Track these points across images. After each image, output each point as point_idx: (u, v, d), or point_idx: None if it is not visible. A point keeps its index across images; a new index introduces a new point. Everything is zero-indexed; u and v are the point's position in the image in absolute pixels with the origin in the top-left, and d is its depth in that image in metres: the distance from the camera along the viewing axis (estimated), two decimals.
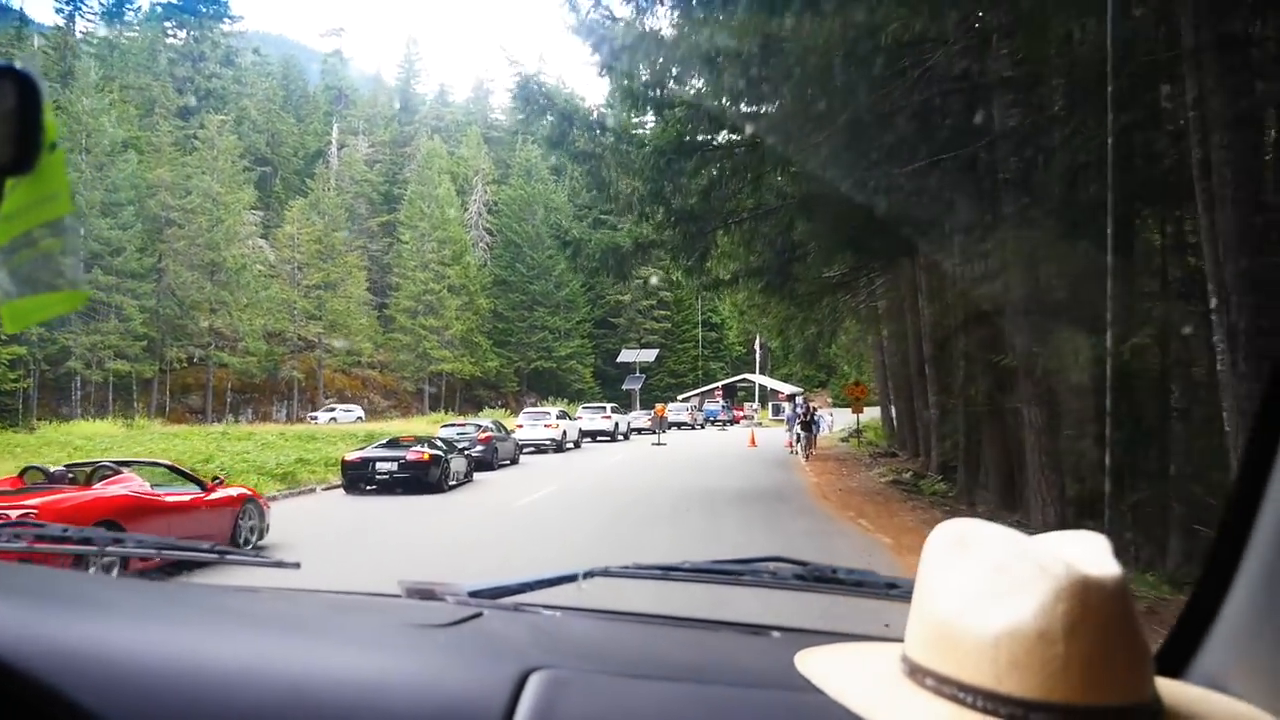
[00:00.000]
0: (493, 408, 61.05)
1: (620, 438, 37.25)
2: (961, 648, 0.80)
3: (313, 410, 52.22)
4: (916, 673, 0.84)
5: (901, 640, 0.90)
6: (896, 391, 28.61)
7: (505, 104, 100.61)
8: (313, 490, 16.67)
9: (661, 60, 11.72)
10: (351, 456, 16.18)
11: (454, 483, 16.92)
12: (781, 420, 61.73)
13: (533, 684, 0.90)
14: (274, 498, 15.13)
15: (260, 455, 17.46)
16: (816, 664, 0.97)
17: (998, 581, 0.81)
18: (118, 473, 8.97)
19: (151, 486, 9.16)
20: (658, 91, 12.00)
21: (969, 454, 15.22)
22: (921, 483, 17.18)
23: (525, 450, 28.86)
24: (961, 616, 0.81)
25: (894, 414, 33.57)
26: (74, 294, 0.93)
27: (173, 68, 63.79)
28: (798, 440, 23.71)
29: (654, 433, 35.97)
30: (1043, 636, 0.76)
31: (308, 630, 1.24)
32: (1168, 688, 0.85)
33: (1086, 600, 0.76)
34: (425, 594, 1.49)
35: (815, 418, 23.21)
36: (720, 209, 13.90)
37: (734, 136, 12.98)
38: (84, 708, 0.84)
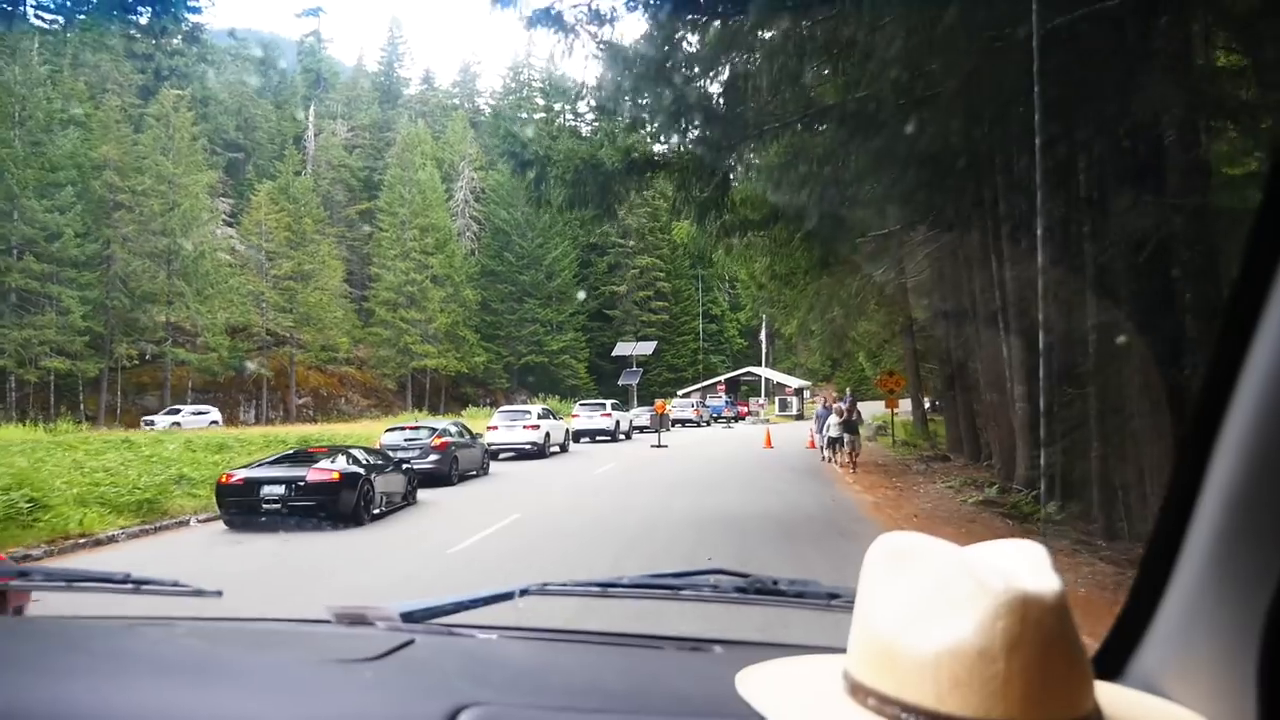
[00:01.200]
0: (480, 406, 56.79)
1: (622, 437, 33.14)
2: (903, 666, 0.79)
3: (149, 415, 43.04)
4: (858, 691, 0.83)
5: (844, 650, 0.88)
6: (945, 383, 24.11)
7: (494, 88, 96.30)
8: (186, 522, 12.13)
9: None
10: (234, 476, 11.58)
11: (381, 510, 12.35)
12: (789, 416, 57.55)
13: None
14: (111, 539, 10.60)
15: (126, 472, 12.87)
16: (758, 684, 0.93)
17: (938, 597, 0.80)
18: None
19: None
20: None
21: (1106, 468, 10.69)
22: (1018, 503, 12.68)
23: (503, 456, 24.47)
24: (902, 634, 0.80)
25: (937, 409, 29.17)
26: None
27: (131, 44, 58.93)
28: (831, 445, 18.91)
29: (654, 432, 31.41)
30: (983, 654, 0.75)
31: (226, 670, 1.17)
32: (1105, 692, 0.85)
33: (1026, 616, 0.76)
34: (355, 619, 1.44)
35: (857, 416, 18.42)
36: (754, 115, 9.34)
37: None
38: None
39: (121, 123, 48.36)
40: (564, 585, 1.59)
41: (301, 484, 11.17)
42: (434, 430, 17.46)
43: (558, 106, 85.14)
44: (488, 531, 10.84)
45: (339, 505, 11.17)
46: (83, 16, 64.53)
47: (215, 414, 44.19)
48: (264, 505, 11.06)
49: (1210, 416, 0.90)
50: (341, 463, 11.84)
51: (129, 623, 1.62)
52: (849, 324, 26.62)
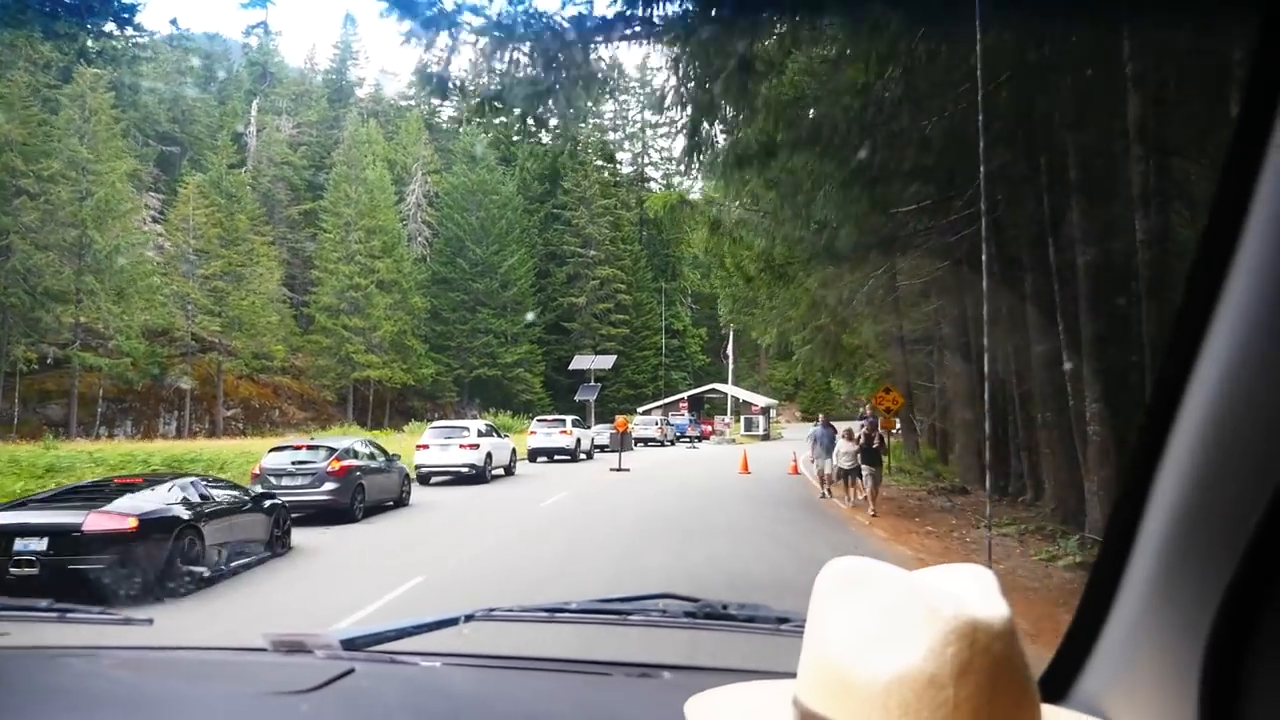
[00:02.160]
0: (426, 420, 52.69)
1: (583, 456, 29.99)
2: (853, 692, 0.78)
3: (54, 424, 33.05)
4: (808, 718, 0.82)
5: (794, 675, 0.87)
6: (956, 399, 20.72)
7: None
8: None
9: None
10: None
11: (220, 569, 8.44)
12: (755, 436, 54.08)
13: None
14: None
15: None
16: (707, 711, 0.92)
17: (889, 623, 0.80)
18: None
19: None
20: None
21: None
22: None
23: (437, 480, 20.64)
24: (853, 660, 0.80)
25: (948, 429, 25.83)
26: None
27: (52, 22, 54.11)
28: (843, 478, 15.01)
29: (614, 452, 27.65)
30: (933, 681, 0.75)
31: (157, 704, 1.10)
32: (1049, 715, 0.85)
33: (975, 641, 0.76)
34: (293, 646, 1.40)
35: (880, 443, 14.45)
36: None
37: None
38: None
39: (31, 102, 43.67)
40: (510, 610, 1.58)
41: (76, 535, 7.26)
42: (332, 451, 13.50)
43: (517, 111, 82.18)
44: (360, 615, 6.99)
45: (133, 569, 7.26)
46: None
47: None
48: (10, 569, 7.11)
49: (1153, 440, 0.90)
50: (151, 501, 7.93)
51: (52, 654, 1.58)
52: (842, 330, 23.23)
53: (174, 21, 77.90)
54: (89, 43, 57.84)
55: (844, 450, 14.70)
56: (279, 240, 61.33)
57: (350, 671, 1.24)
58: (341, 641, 1.39)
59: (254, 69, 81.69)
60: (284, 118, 73.88)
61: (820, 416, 18.81)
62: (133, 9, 61.48)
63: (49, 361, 43.08)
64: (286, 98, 77.47)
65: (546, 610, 1.56)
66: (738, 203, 15.19)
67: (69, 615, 1.66)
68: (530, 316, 63.62)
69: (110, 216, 44.21)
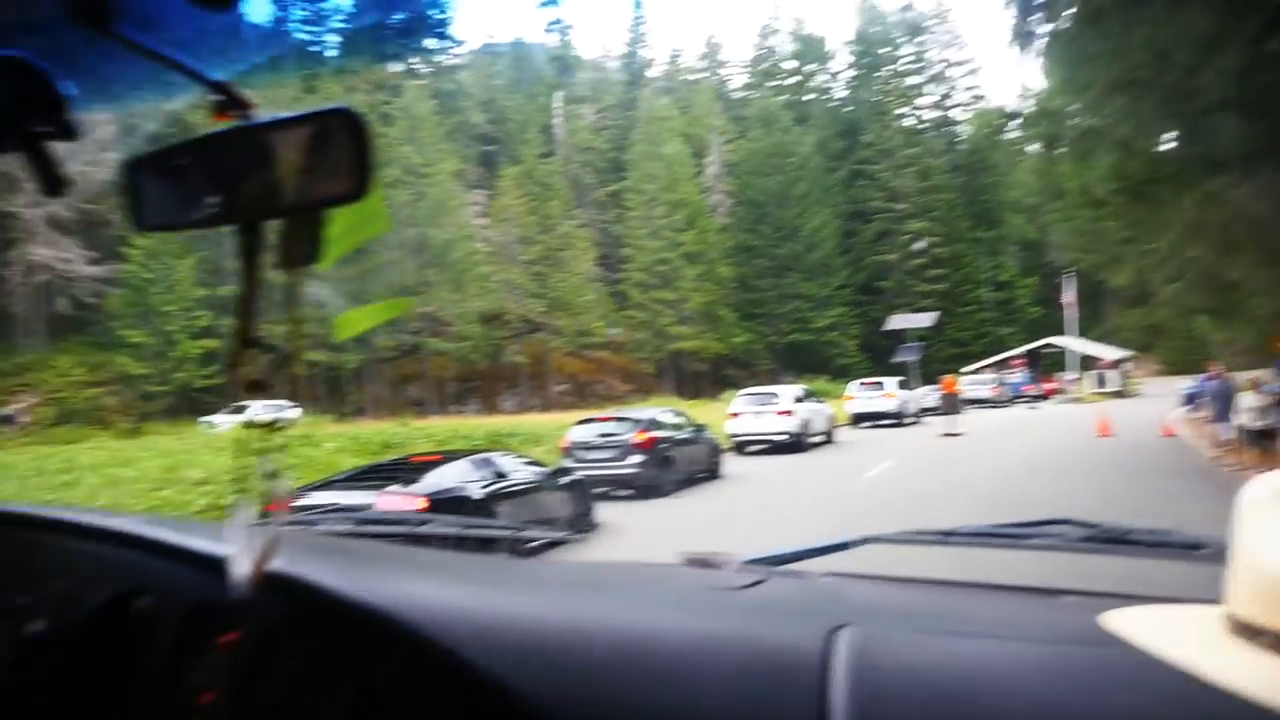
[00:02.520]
0: (738, 389, 52.45)
1: (909, 420, 28.25)
2: None
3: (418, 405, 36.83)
4: (1245, 630, 0.75)
5: (1215, 603, 0.80)
6: None
7: (739, 58, 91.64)
8: None
9: None
10: (282, 505, 7.50)
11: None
12: (1106, 393, 47.77)
13: (844, 638, 0.90)
14: None
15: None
16: (1125, 623, 0.86)
17: None
18: None
19: None
20: None
21: None
22: None
23: (749, 449, 19.66)
24: None
25: None
26: (397, 301, 0.94)
27: (382, 46, 60.19)
28: (1249, 441, 11.64)
29: (943, 415, 25.02)
30: None
31: (633, 594, 1.29)
32: None
33: None
34: (703, 563, 1.53)
35: None
36: None
37: None
38: (498, 676, 0.89)
39: (371, 119, 48.69)
40: (900, 534, 1.67)
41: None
42: (637, 423, 12.78)
43: (809, 67, 79.57)
44: None
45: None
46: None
47: (290, 409, 35.38)
48: None
49: None
50: (445, 479, 7.41)
51: (543, 563, 1.89)
52: (1223, 260, 18.98)
53: (485, 33, 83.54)
54: (412, 60, 63.68)
55: (1251, 405, 11.43)
56: (590, 222, 64.04)
57: (761, 581, 1.28)
58: (745, 561, 1.48)
59: (555, 63, 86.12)
60: (585, 105, 77.04)
61: (1212, 366, 15.26)
62: (444, 22, 65.52)
63: (403, 349, 48.16)
64: (586, 86, 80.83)
65: (938, 534, 1.60)
66: (1078, 106, 12.36)
67: (521, 533, 2.22)
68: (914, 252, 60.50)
69: (442, 214, 48.32)
